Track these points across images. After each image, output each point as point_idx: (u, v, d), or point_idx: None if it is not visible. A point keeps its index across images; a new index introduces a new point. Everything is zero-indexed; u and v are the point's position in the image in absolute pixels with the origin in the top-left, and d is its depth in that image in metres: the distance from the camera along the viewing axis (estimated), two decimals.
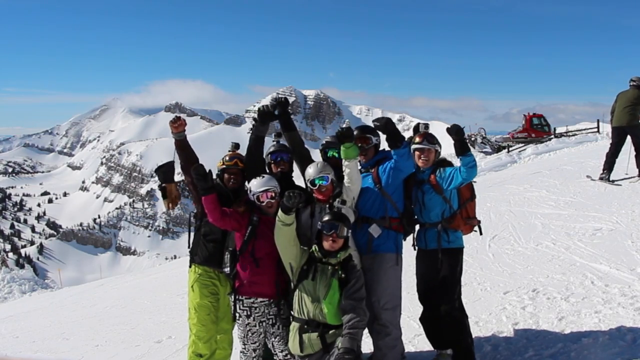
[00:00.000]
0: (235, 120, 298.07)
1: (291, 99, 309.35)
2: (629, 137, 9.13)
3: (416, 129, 4.09)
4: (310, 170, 3.84)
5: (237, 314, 3.78)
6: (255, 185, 3.80)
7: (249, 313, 3.75)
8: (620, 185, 9.23)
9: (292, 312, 3.65)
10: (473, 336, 4.58)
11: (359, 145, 3.97)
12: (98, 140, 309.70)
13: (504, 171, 17.20)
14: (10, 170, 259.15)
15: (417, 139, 3.95)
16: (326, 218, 3.51)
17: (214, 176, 4.17)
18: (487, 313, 5.05)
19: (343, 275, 3.51)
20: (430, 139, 3.94)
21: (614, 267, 5.51)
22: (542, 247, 6.73)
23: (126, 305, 9.27)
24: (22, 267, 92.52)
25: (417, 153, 3.96)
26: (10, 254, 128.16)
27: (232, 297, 3.80)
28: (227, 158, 4.20)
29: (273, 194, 3.79)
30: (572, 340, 4.16)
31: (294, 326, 3.58)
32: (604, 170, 9.53)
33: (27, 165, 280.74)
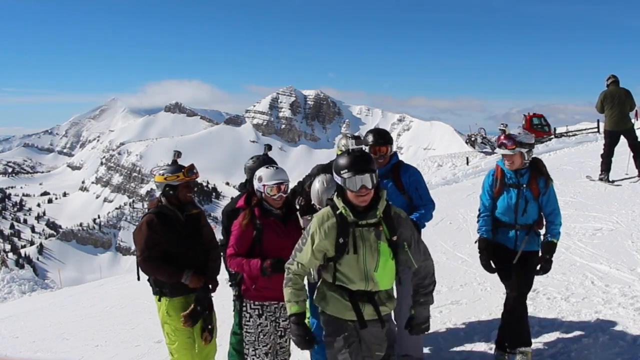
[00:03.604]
0: (235, 121, 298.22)
1: (291, 99, 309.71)
2: (622, 137, 9.14)
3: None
4: (319, 187, 3.65)
5: (248, 314, 3.57)
6: (267, 175, 3.54)
7: (260, 312, 3.55)
8: (620, 185, 9.22)
9: (318, 279, 3.07)
10: (474, 336, 4.59)
11: (376, 155, 3.91)
12: (98, 140, 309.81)
13: None
14: (10, 170, 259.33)
15: (498, 145, 3.93)
16: (346, 174, 2.74)
17: (158, 191, 3.82)
18: (487, 313, 5.05)
19: (394, 237, 2.85)
20: (514, 143, 3.83)
21: (614, 267, 5.51)
22: None
23: (126, 305, 9.26)
24: (22, 267, 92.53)
25: (506, 158, 3.93)
26: (10, 254, 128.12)
27: (239, 302, 3.61)
28: (189, 173, 3.77)
29: (285, 188, 3.56)
30: (572, 340, 4.16)
31: (331, 287, 2.94)
32: (602, 171, 9.54)
33: (27, 165, 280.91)
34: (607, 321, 4.36)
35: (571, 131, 29.13)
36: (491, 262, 4.05)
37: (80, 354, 6.69)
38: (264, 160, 4.30)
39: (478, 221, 4.11)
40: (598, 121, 26.17)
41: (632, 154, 9.19)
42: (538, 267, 3.93)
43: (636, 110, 13.07)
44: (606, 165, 9.43)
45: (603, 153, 9.44)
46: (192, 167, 3.84)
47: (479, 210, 4.12)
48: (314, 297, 3.06)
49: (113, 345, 6.77)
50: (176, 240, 3.75)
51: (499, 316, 4.89)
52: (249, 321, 3.57)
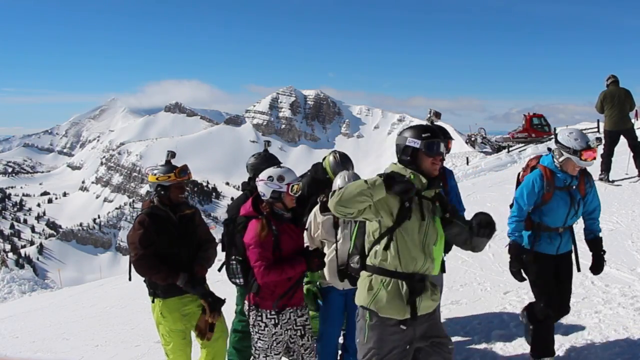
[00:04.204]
0: (235, 120, 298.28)
1: (291, 99, 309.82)
2: (622, 137, 9.14)
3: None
4: (341, 183, 3.64)
5: (263, 324, 3.44)
6: (288, 174, 3.43)
7: (276, 322, 3.45)
8: (620, 185, 9.23)
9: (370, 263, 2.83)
10: (474, 336, 4.59)
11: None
12: (98, 140, 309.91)
13: (504, 171, 17.20)
14: (10, 170, 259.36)
15: (584, 157, 3.55)
16: (429, 138, 2.76)
17: (152, 191, 3.79)
18: (487, 313, 5.05)
19: (447, 214, 2.82)
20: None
21: (614, 267, 5.51)
22: None
23: (126, 305, 9.25)
24: (22, 267, 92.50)
25: (577, 168, 3.65)
26: (10, 254, 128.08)
27: (254, 311, 3.45)
28: (182, 174, 3.74)
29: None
30: (572, 340, 4.16)
31: (384, 281, 2.74)
32: (602, 171, 9.54)
33: (27, 165, 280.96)
34: (607, 321, 4.37)
35: None
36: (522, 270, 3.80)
37: (80, 354, 6.69)
38: (266, 157, 4.28)
39: (510, 223, 3.78)
40: (598, 121, 26.12)
41: (632, 154, 9.19)
42: (594, 266, 3.79)
43: (636, 110, 13.07)
44: (606, 165, 9.43)
45: (603, 153, 9.44)
46: (184, 167, 3.80)
47: (513, 213, 3.77)
48: (361, 297, 2.81)
49: (113, 345, 6.77)
50: (168, 241, 3.72)
51: (500, 316, 4.91)
52: (263, 330, 3.46)
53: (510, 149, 25.08)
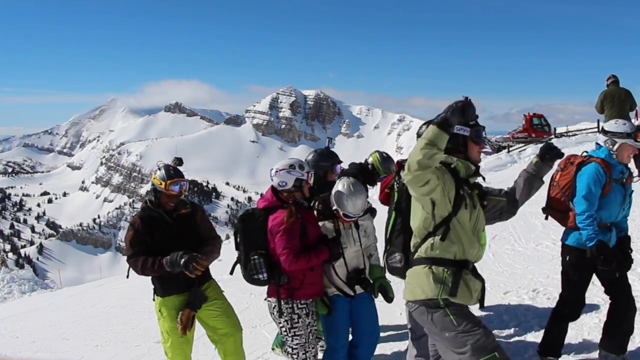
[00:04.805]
0: (235, 121, 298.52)
1: (291, 99, 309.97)
2: None
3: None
4: (342, 190, 3.55)
5: (296, 315, 3.46)
6: (303, 162, 3.60)
7: (307, 311, 3.46)
8: None
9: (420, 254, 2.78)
10: None
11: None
12: (98, 140, 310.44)
13: (504, 171, 17.21)
14: (10, 170, 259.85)
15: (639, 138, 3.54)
16: (476, 126, 2.78)
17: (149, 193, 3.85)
18: (487, 313, 5.04)
19: (485, 202, 2.83)
20: None
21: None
22: (542, 247, 6.72)
23: (126, 305, 9.25)
24: (21, 267, 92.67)
25: (631, 150, 3.58)
26: (10, 254, 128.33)
27: (284, 304, 3.44)
28: (172, 187, 3.74)
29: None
30: (572, 340, 4.16)
31: (447, 270, 2.68)
32: None
33: (26, 165, 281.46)
34: None
35: (571, 131, 29.06)
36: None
37: (80, 354, 6.69)
38: (323, 153, 4.39)
39: (589, 224, 3.51)
40: (598, 121, 26.10)
41: None
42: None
43: (636, 110, 13.07)
44: None
45: None
46: (178, 182, 3.78)
47: (585, 211, 3.52)
48: (426, 289, 2.67)
49: (113, 345, 6.77)
50: (162, 241, 3.72)
51: (500, 316, 4.90)
52: (297, 322, 3.45)
53: (510, 149, 25.05)
